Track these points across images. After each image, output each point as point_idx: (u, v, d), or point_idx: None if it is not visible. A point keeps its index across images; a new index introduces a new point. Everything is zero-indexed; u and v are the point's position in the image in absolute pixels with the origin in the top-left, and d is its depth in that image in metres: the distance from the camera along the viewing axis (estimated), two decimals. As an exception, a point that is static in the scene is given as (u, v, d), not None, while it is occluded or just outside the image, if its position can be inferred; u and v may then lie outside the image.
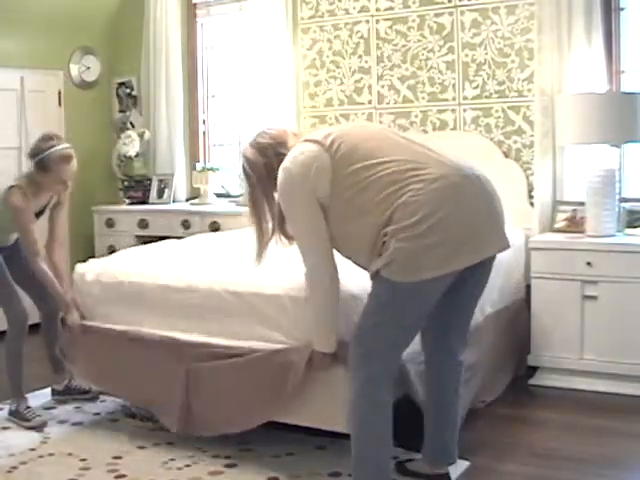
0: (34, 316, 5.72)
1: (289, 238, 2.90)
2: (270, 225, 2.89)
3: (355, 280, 2.95)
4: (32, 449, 3.42)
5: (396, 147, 2.71)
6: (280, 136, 2.89)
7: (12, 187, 3.68)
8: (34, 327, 5.69)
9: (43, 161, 3.61)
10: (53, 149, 3.61)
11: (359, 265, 2.80)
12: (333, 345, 2.85)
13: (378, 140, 2.74)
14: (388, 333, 2.66)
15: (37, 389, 4.19)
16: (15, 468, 3.23)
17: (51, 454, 3.37)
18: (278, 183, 2.75)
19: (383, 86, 5.22)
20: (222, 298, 3.30)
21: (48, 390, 4.14)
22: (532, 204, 4.57)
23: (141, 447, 3.43)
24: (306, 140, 2.77)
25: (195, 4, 6.01)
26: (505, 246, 2.76)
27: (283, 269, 3.25)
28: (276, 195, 2.82)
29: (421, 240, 2.52)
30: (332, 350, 2.86)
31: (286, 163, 2.74)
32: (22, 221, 3.68)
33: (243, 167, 2.93)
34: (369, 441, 2.70)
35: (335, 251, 2.78)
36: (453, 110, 4.99)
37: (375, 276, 2.65)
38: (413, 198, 2.55)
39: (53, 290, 3.74)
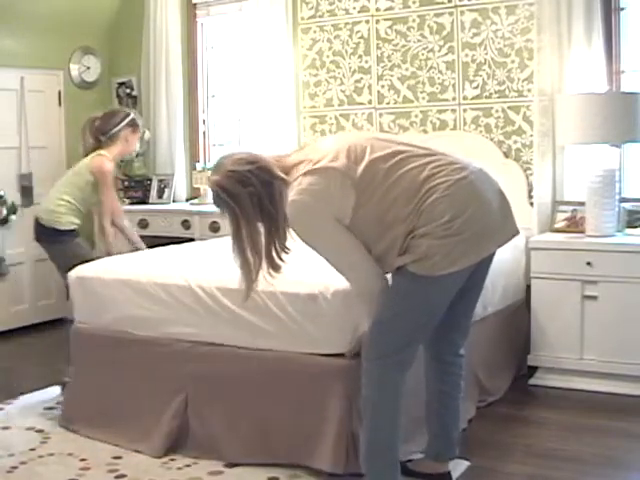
0: (34, 317, 5.75)
1: (277, 269, 2.77)
2: (256, 259, 2.71)
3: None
4: (32, 449, 3.42)
5: (406, 153, 2.68)
6: (258, 160, 2.69)
7: (99, 155, 4.31)
8: (34, 328, 5.73)
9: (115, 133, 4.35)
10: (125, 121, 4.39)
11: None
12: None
13: (387, 149, 2.69)
14: (407, 324, 2.68)
15: (37, 389, 4.20)
16: (15, 468, 3.23)
17: (51, 454, 3.37)
18: (294, 217, 2.62)
19: (383, 86, 5.22)
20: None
21: (48, 390, 4.16)
22: (532, 204, 4.57)
23: (141, 447, 3.43)
24: (314, 170, 2.62)
25: (195, 4, 6.01)
26: (516, 232, 2.81)
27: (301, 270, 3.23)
28: (261, 227, 2.68)
29: (452, 238, 2.56)
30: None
31: (300, 195, 2.60)
32: (109, 183, 4.34)
33: (220, 200, 2.68)
34: (385, 429, 2.72)
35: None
36: (453, 110, 4.99)
37: (400, 270, 2.65)
38: (439, 200, 2.58)
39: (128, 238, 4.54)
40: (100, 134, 4.38)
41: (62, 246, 4.28)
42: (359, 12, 5.25)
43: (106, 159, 4.34)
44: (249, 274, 2.72)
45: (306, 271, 3.20)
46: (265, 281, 2.78)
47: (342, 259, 2.69)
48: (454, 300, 2.76)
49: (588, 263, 4.01)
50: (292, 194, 2.63)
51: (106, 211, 4.38)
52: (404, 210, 2.61)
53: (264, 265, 2.72)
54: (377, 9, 5.19)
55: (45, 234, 4.36)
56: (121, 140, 4.40)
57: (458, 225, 2.57)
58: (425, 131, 5.07)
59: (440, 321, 2.80)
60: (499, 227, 2.72)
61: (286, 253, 2.76)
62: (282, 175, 2.68)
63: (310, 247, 2.70)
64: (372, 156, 2.66)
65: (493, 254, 2.83)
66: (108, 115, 4.46)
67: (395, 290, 2.72)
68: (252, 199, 2.64)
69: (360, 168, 2.64)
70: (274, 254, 2.74)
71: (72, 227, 4.35)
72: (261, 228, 2.70)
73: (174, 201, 5.96)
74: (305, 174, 2.64)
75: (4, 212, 5.43)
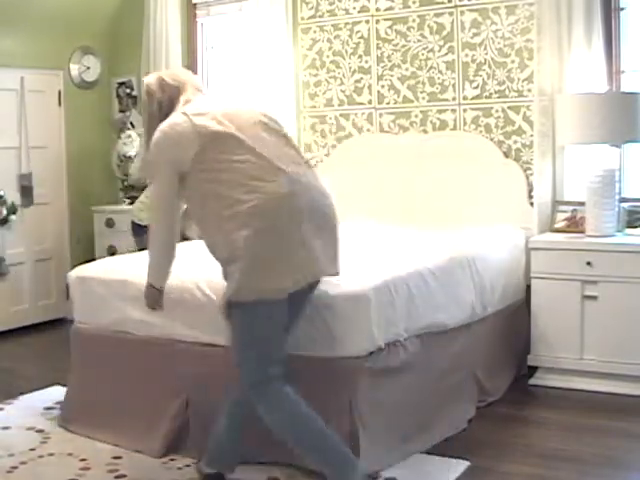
0: (34, 317, 5.75)
1: None
2: None
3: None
4: (32, 449, 3.41)
5: (260, 145, 2.78)
6: (183, 87, 3.00)
7: None
8: (34, 328, 5.74)
9: None
10: None
11: (215, 256, 2.87)
12: (159, 281, 3.00)
13: (246, 134, 2.80)
14: (265, 350, 2.76)
15: (37, 389, 4.20)
16: (15, 468, 3.22)
17: (51, 454, 3.37)
18: (153, 141, 2.88)
19: (383, 86, 5.22)
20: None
21: (48, 390, 4.16)
22: (532, 204, 4.57)
23: (141, 447, 3.43)
24: (189, 114, 2.83)
25: (195, 4, 6.01)
26: (334, 273, 2.88)
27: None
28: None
29: (258, 260, 2.65)
30: (158, 286, 3.01)
31: (165, 127, 2.85)
32: None
33: (143, 90, 3.08)
34: (306, 433, 2.78)
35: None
36: (453, 110, 4.99)
37: (231, 305, 2.72)
38: (254, 209, 2.66)
39: None
40: None
41: (140, 239, 4.62)
42: (359, 12, 5.25)
43: None
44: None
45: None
46: None
47: (157, 193, 2.91)
48: None
49: (588, 263, 4.01)
50: (166, 123, 2.87)
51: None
52: (224, 191, 2.72)
53: None
54: (377, 9, 5.19)
55: (131, 227, 4.99)
56: None
57: (266, 245, 2.65)
58: (425, 131, 5.07)
59: None
60: (319, 259, 2.75)
61: None
62: (182, 107, 2.92)
63: (147, 171, 3.02)
64: (230, 131, 2.78)
65: (307, 293, 2.87)
66: None
67: (236, 322, 2.77)
68: (160, 105, 2.98)
69: (212, 134, 2.77)
70: None
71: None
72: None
73: (174, 201, 5.95)
74: (181, 113, 2.86)
75: (4, 212, 5.44)
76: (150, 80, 3.08)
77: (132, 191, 6.00)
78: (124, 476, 3.15)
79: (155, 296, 3.04)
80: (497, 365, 4.07)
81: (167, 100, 2.98)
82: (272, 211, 2.67)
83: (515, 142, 4.80)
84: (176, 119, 2.85)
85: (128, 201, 5.98)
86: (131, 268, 3.68)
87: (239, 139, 2.77)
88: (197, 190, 2.81)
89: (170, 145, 2.83)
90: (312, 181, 2.84)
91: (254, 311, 2.70)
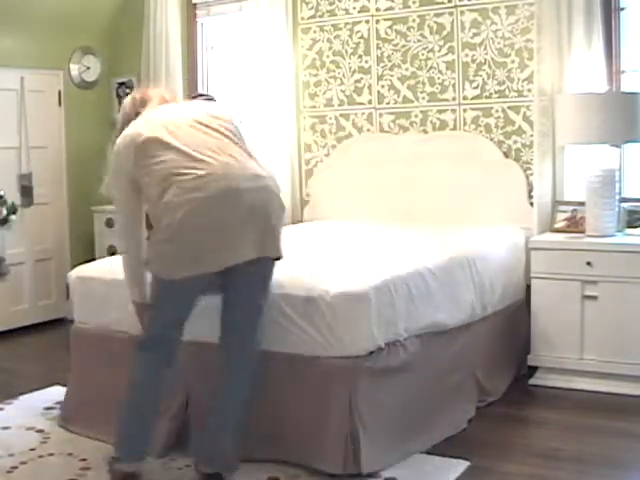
0: (34, 317, 5.75)
1: None
2: None
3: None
4: (32, 449, 3.41)
5: (186, 142, 2.92)
6: (149, 99, 3.22)
7: None
8: (34, 328, 5.74)
9: None
10: None
11: None
12: (139, 296, 3.14)
13: (175, 135, 2.94)
14: (156, 314, 3.01)
15: (37, 389, 4.20)
16: (15, 468, 3.22)
17: (51, 454, 3.37)
18: (114, 150, 3.07)
19: (383, 86, 5.22)
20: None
21: (48, 390, 4.16)
22: (532, 204, 4.57)
23: (141, 447, 3.42)
24: (136, 125, 3.03)
25: (195, 4, 6.01)
26: (274, 255, 2.97)
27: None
28: None
29: (168, 244, 2.83)
30: (140, 300, 3.14)
31: (120, 138, 3.05)
32: None
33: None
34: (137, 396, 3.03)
35: None
36: (453, 110, 4.99)
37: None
38: (170, 204, 2.81)
39: None
40: None
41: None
42: (359, 12, 5.25)
43: None
44: None
45: (305, 273, 3.21)
46: None
47: (118, 202, 3.09)
48: (225, 303, 3.04)
49: (588, 263, 4.01)
50: (123, 132, 3.07)
51: None
52: (152, 190, 2.89)
53: None
54: (377, 9, 5.19)
55: None
56: None
57: (175, 233, 2.81)
58: (425, 131, 5.07)
59: (221, 323, 3.07)
60: (229, 247, 2.85)
61: None
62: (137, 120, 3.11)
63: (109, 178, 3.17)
64: (157, 135, 2.93)
65: (258, 267, 2.94)
66: None
67: (150, 286, 3.06)
68: (129, 118, 3.17)
69: (144, 141, 2.93)
70: None
71: None
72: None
73: (174, 201, 5.95)
74: (131, 125, 3.05)
75: (4, 212, 5.43)
76: (126, 99, 3.33)
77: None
78: (124, 476, 3.15)
79: (142, 311, 3.15)
80: (497, 365, 4.07)
81: (134, 115, 3.17)
82: (183, 205, 2.79)
83: (515, 142, 4.80)
84: (125, 132, 3.06)
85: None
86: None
87: (164, 141, 2.92)
88: (146, 193, 2.97)
89: (120, 157, 3.02)
90: (240, 170, 2.92)
91: (156, 280, 2.97)
